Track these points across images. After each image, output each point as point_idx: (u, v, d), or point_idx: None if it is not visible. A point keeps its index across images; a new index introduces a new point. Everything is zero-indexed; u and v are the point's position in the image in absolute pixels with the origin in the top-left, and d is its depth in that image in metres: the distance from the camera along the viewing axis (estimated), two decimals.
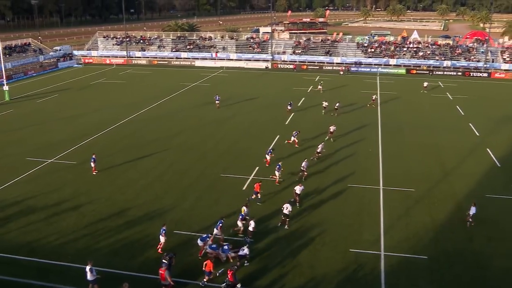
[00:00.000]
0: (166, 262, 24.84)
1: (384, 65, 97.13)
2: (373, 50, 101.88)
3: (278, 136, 50.44)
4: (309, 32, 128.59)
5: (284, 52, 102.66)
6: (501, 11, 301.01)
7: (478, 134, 53.27)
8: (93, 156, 40.13)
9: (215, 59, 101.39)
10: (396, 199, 36.00)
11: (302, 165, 38.71)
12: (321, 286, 25.67)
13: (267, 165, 41.52)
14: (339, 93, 71.82)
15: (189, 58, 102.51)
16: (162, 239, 28.13)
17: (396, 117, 59.63)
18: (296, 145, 46.47)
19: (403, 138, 50.92)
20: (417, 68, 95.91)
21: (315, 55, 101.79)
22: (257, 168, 41.34)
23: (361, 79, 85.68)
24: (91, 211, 33.44)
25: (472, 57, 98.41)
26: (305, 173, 38.77)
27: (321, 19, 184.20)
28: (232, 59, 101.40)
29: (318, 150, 43.33)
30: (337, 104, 59.78)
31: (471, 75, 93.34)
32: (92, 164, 39.80)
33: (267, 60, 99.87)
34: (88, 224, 31.53)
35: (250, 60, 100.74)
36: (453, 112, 63.13)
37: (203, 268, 24.97)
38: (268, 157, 41.80)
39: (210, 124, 55.20)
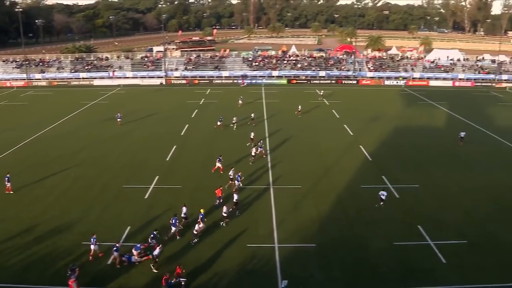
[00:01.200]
0: (70, 272, 23.92)
1: (268, 76, 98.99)
2: (257, 63, 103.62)
3: (175, 146, 49.84)
4: (199, 50, 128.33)
5: (176, 69, 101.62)
6: (364, 27, 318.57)
7: (352, 134, 55.79)
8: (7, 175, 37.47)
9: (112, 77, 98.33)
10: (285, 196, 36.79)
11: (230, 174, 38.36)
12: (223, 281, 25.73)
13: (221, 171, 40.86)
14: (232, 105, 72.21)
15: (88, 78, 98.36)
16: (93, 247, 27.45)
17: (281, 122, 60.89)
18: (264, 155, 46.12)
19: (289, 141, 52.10)
20: (297, 78, 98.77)
21: (205, 70, 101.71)
22: (157, 177, 40.59)
23: (247, 90, 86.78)
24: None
25: (343, 67, 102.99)
26: (231, 182, 38.23)
27: (209, 38, 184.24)
28: (128, 77, 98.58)
29: (252, 154, 44.52)
30: (252, 115, 60.33)
31: (343, 82, 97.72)
32: (7, 183, 37.17)
33: (161, 77, 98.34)
34: None
35: (145, 77, 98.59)
36: (330, 116, 65.60)
37: (175, 273, 24.61)
38: (220, 165, 41.31)
39: (111, 139, 53.35)
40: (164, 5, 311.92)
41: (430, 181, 40.66)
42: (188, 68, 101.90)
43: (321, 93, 79.68)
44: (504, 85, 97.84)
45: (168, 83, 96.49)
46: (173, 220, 30.14)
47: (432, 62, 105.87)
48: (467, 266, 27.42)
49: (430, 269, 27.13)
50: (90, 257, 27.54)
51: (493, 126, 60.98)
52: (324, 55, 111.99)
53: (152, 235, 28.45)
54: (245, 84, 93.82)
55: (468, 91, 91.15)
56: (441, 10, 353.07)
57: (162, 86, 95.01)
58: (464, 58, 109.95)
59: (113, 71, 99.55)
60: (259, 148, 45.79)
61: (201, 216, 30.57)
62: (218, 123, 56.95)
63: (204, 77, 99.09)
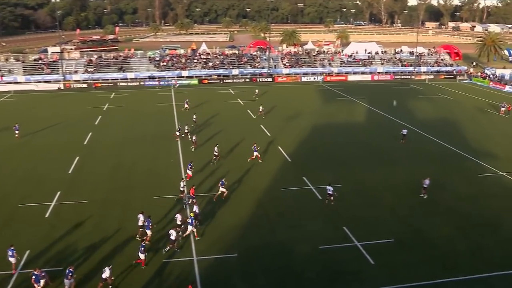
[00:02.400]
0: None
1: (177, 77, 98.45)
2: (165, 63, 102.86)
3: (78, 157, 48.22)
4: (100, 50, 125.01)
5: (76, 72, 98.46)
6: (278, 22, 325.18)
7: (269, 134, 56.72)
8: None
9: (0, 83, 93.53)
10: (202, 204, 36.43)
11: (181, 186, 37.76)
12: None
13: (187, 179, 39.97)
14: (140, 109, 71.07)
15: None
16: (12, 260, 27.46)
17: (193, 125, 60.63)
18: (259, 160, 46.35)
19: (202, 145, 51.56)
20: (208, 77, 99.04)
21: (109, 72, 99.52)
22: (59, 192, 39.04)
23: (155, 92, 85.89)
24: None
25: (257, 64, 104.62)
26: (182, 194, 37.61)
27: (111, 36, 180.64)
28: (20, 82, 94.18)
29: (215, 152, 46.13)
30: (194, 116, 60.76)
31: (258, 80, 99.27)
32: None
33: (59, 81, 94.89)
34: None
35: (40, 82, 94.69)
36: (245, 116, 66.41)
37: None
38: (189, 172, 40.62)
39: (4, 152, 50.54)
40: (58, 0, 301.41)
41: (352, 179, 42.25)
42: (89, 70, 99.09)
43: (256, 92, 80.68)
44: (423, 77, 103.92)
45: (67, 88, 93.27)
46: (147, 223, 30.95)
47: (350, 56, 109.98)
48: (396, 265, 28.71)
49: (358, 271, 28.12)
50: (13, 271, 27.36)
51: (414, 119, 64.49)
52: (236, 52, 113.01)
53: (142, 248, 27.92)
54: (177, 85, 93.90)
55: (387, 85, 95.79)
56: (358, 2, 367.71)
57: (60, 91, 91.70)
58: (382, 51, 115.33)
59: (1, 76, 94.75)
60: (254, 152, 46.20)
61: (191, 220, 31.17)
62: (177, 133, 54.95)
63: (108, 79, 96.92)
